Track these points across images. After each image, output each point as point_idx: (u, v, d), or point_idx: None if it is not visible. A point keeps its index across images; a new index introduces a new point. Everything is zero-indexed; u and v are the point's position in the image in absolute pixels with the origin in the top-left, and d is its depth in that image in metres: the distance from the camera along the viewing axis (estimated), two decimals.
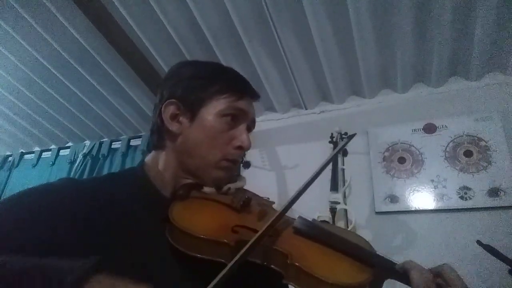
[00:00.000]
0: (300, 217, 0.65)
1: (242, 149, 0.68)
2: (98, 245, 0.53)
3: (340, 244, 0.59)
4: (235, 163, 0.70)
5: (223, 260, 0.52)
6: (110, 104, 2.44)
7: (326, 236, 0.61)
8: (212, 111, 0.67)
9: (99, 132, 2.76)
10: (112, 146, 2.71)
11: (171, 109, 0.68)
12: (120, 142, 2.67)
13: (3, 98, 2.53)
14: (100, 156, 2.68)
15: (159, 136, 0.70)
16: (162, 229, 0.58)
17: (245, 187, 0.76)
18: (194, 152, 0.67)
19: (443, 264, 0.54)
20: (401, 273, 0.55)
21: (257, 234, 0.52)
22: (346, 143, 0.79)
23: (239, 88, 0.70)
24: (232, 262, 0.48)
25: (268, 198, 0.76)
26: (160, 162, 0.69)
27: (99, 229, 0.54)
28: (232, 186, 0.70)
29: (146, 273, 0.55)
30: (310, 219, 0.68)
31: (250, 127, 0.73)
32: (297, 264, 0.53)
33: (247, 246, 0.50)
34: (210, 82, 0.68)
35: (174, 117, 0.68)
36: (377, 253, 0.61)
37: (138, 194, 0.65)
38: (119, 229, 0.57)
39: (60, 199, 0.55)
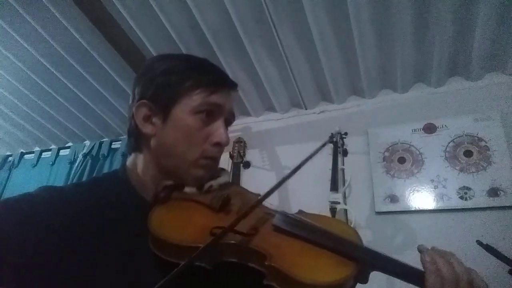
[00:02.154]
0: (280, 212, 0.63)
1: (220, 145, 0.66)
2: (80, 251, 0.53)
3: (322, 239, 0.57)
4: (215, 160, 0.68)
5: (203, 264, 0.51)
6: (110, 104, 2.44)
7: (307, 232, 0.58)
8: (185, 109, 0.64)
9: (99, 132, 2.76)
10: (112, 146, 2.71)
11: (143, 110, 0.65)
12: (120, 142, 2.67)
13: (3, 98, 2.53)
14: (100, 156, 2.68)
15: (136, 139, 0.68)
16: (145, 234, 0.57)
17: (244, 187, 0.75)
18: (171, 153, 0.64)
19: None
20: (386, 266, 0.55)
21: (221, 232, 0.51)
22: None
23: (212, 81, 0.66)
24: (181, 266, 0.46)
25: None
26: (139, 165, 0.67)
27: (80, 236, 0.54)
28: (214, 183, 0.68)
29: (130, 279, 0.55)
30: (297, 211, 0.66)
31: (229, 120, 0.70)
32: (274, 265, 0.51)
33: (201, 249, 0.49)
34: (181, 78, 0.65)
35: (146, 118, 0.65)
36: (362, 244, 0.59)
37: (120, 199, 0.63)
38: (101, 235, 0.56)
39: (36, 209, 0.54)
